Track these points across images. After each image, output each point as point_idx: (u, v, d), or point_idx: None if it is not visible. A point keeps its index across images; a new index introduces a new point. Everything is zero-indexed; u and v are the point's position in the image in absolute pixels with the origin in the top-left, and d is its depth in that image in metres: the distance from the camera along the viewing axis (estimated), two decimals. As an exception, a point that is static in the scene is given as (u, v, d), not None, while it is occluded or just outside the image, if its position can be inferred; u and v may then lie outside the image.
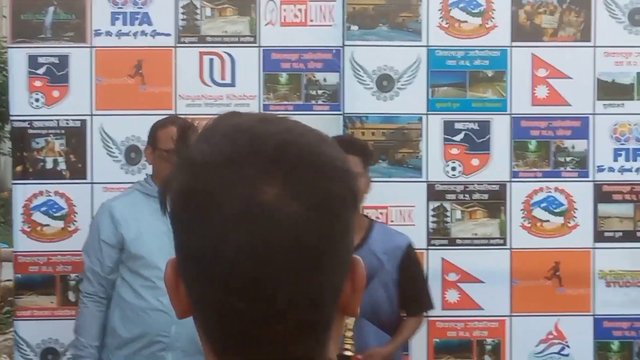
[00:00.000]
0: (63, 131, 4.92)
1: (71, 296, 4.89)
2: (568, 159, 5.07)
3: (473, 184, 5.02)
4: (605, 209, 5.07)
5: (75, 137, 4.93)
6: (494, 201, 5.03)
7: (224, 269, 0.99)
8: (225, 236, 0.99)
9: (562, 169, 5.06)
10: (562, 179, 5.06)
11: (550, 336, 5.05)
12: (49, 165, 4.93)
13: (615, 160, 5.07)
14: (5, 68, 9.72)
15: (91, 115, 4.93)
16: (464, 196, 5.02)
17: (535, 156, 5.06)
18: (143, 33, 4.95)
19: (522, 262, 5.03)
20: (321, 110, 4.95)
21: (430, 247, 4.99)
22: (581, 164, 5.06)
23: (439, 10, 5.03)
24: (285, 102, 4.98)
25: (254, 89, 4.97)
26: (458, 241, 5.02)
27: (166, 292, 1.10)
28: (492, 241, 5.02)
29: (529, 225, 5.04)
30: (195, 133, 1.06)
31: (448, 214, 5.01)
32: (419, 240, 4.89)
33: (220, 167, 1.01)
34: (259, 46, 4.98)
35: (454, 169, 5.01)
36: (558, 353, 5.05)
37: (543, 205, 5.05)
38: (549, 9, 5.07)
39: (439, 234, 5.01)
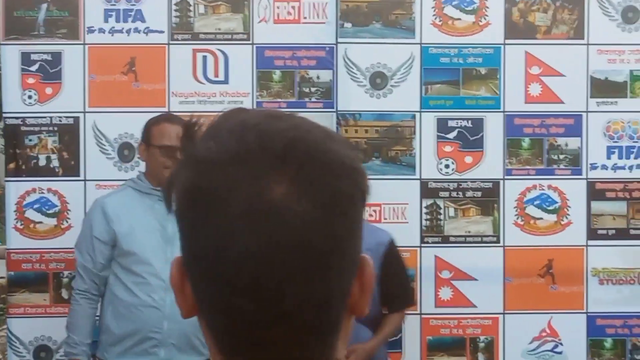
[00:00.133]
0: (56, 128, 4.92)
1: (64, 293, 4.89)
2: (561, 156, 5.07)
3: (466, 182, 5.02)
4: (598, 206, 5.08)
5: (68, 134, 4.92)
6: (487, 199, 5.03)
7: (230, 269, 0.98)
8: (232, 235, 0.97)
9: (555, 166, 5.07)
10: (555, 177, 5.06)
11: (544, 334, 5.05)
12: (42, 162, 4.92)
13: (609, 158, 5.08)
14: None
15: (84, 112, 4.92)
16: (457, 194, 5.02)
17: (529, 154, 5.06)
18: (136, 30, 4.95)
19: (515, 260, 5.03)
20: (314, 107, 4.95)
21: (423, 245, 4.99)
22: (574, 161, 5.07)
23: (433, 7, 5.03)
24: (279, 100, 4.98)
25: (247, 86, 4.97)
26: (451, 239, 5.02)
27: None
28: (485, 239, 5.03)
29: (522, 222, 5.04)
30: (201, 130, 1.05)
31: (441, 211, 5.01)
32: (412, 238, 4.90)
33: (227, 164, 0.99)
34: (252, 43, 4.98)
35: (447, 166, 5.01)
36: (551, 350, 5.06)
37: (536, 202, 5.06)
38: (542, 6, 5.08)
39: (432, 231, 5.01)
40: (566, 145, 5.07)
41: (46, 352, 4.91)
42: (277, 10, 4.98)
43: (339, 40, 4.99)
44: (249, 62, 4.98)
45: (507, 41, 5.05)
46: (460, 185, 5.02)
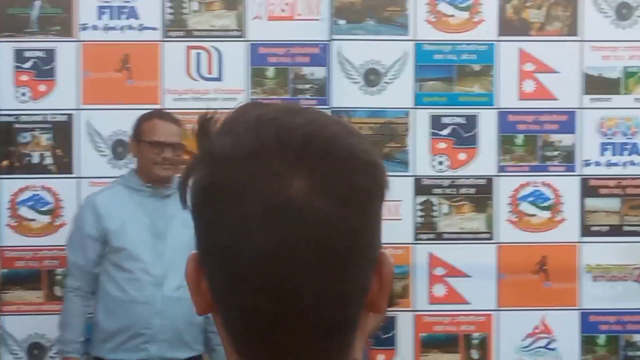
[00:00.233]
0: (50, 125, 4.91)
1: (58, 291, 4.88)
2: (555, 153, 5.07)
3: (460, 179, 5.03)
4: (591, 203, 5.08)
5: (61, 131, 4.91)
6: (480, 195, 5.03)
7: (247, 267, 0.96)
8: (250, 232, 0.95)
9: (548, 163, 5.07)
10: (549, 174, 5.07)
11: (537, 330, 5.06)
12: (36, 159, 4.92)
13: (602, 154, 5.08)
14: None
15: (78, 109, 4.92)
16: (451, 190, 5.03)
17: (522, 150, 5.06)
18: (130, 27, 4.94)
19: (508, 257, 5.03)
20: (308, 104, 4.95)
21: (417, 242, 4.99)
22: (568, 158, 5.07)
23: (427, 4, 5.02)
24: (273, 97, 4.97)
25: (241, 83, 4.97)
26: (445, 235, 5.02)
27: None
28: (479, 235, 5.03)
29: (516, 219, 5.05)
30: (216, 125, 1.02)
31: (435, 208, 5.01)
32: (405, 235, 4.91)
33: (243, 160, 0.96)
34: (246, 40, 4.98)
35: (441, 163, 5.01)
36: (545, 347, 5.06)
37: (530, 199, 5.06)
38: (536, 3, 5.08)
39: (426, 228, 5.01)
40: (560, 141, 5.07)
41: (39, 350, 4.90)
42: (270, 7, 4.97)
43: (333, 37, 4.99)
44: (242, 59, 4.97)
45: (501, 38, 5.06)
46: (454, 181, 5.03)
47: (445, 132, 5.02)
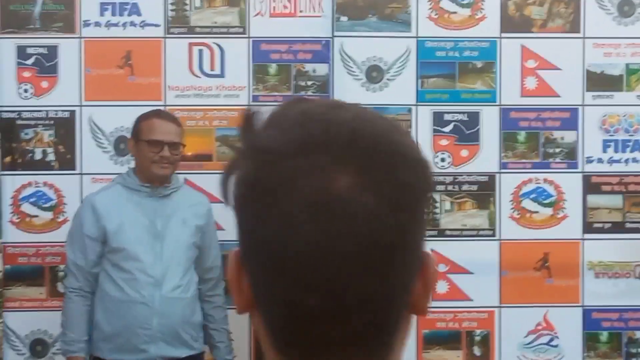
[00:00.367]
0: (52, 122, 4.91)
1: (60, 287, 4.87)
2: (557, 150, 5.07)
3: (462, 175, 5.02)
4: (594, 200, 5.08)
5: (64, 127, 4.92)
6: (483, 192, 5.03)
7: (292, 262, 0.95)
8: (295, 227, 0.94)
9: (551, 160, 5.07)
10: (551, 170, 5.07)
11: (539, 327, 5.06)
12: (38, 156, 4.92)
13: (604, 151, 5.08)
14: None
15: (80, 106, 4.92)
16: (453, 187, 5.03)
17: (525, 147, 5.06)
18: (132, 24, 4.94)
19: (511, 253, 5.03)
20: (310, 101, 4.94)
21: (419, 238, 4.98)
22: (570, 155, 5.07)
23: (429, 1, 5.03)
24: (275, 93, 4.97)
25: (244, 80, 4.97)
26: (447, 232, 5.02)
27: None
28: (481, 232, 5.03)
29: (518, 216, 5.05)
30: (260, 120, 1.01)
31: (437, 205, 5.01)
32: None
33: (290, 154, 0.95)
34: (249, 37, 4.98)
35: (443, 160, 5.01)
36: (547, 344, 5.06)
37: (532, 196, 5.06)
38: (538, 0, 5.07)
39: (428, 225, 5.01)
40: (562, 138, 5.07)
41: (42, 346, 4.91)
42: (273, 4, 4.97)
43: (335, 33, 4.99)
44: (245, 56, 4.97)
45: (503, 35, 5.05)
46: (456, 178, 5.03)
47: (447, 129, 5.02)
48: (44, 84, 4.91)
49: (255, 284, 1.00)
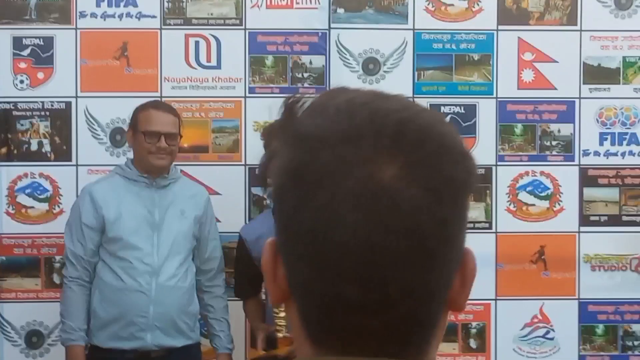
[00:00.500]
0: (48, 113, 4.91)
1: (56, 278, 4.88)
2: (554, 142, 5.07)
3: (459, 168, 5.01)
4: (590, 193, 5.08)
5: (60, 119, 4.91)
6: (479, 185, 5.02)
7: (334, 252, 0.93)
8: (340, 216, 0.92)
9: (547, 152, 5.07)
10: (548, 163, 5.07)
11: (535, 320, 5.06)
12: (34, 147, 4.92)
13: (601, 144, 5.08)
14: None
15: (76, 97, 4.91)
16: (450, 180, 5.01)
17: (521, 140, 5.06)
18: (128, 15, 4.93)
19: (507, 246, 5.03)
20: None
21: (415, 231, 4.98)
22: (567, 148, 5.07)
23: (426, -7, 5.02)
24: (271, 85, 4.97)
25: (240, 71, 4.96)
26: (443, 225, 5.00)
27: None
28: (477, 225, 5.02)
29: (515, 209, 5.05)
30: (303, 108, 1.00)
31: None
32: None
33: (336, 142, 0.94)
34: (245, 28, 4.97)
35: (439, 152, 5.00)
36: (543, 337, 5.06)
37: (529, 189, 5.06)
38: (535, -8, 5.07)
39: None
40: (559, 131, 5.07)
41: (38, 337, 4.90)
42: (269, -4, 4.97)
43: (332, 25, 4.99)
44: (241, 48, 4.97)
45: (500, 27, 5.05)
46: (453, 171, 5.01)
47: (444, 121, 5.00)
48: (40, 75, 4.90)
49: (292, 274, 0.99)
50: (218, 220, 4.62)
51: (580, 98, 5.06)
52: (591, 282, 5.06)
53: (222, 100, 4.95)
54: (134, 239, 4.32)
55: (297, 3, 4.96)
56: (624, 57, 5.08)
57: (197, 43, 4.95)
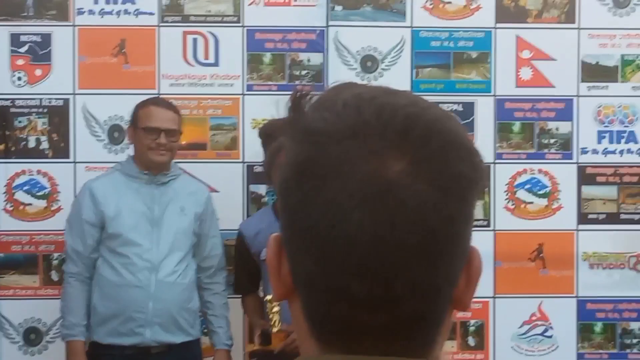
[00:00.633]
0: (46, 110, 4.91)
1: (54, 275, 4.88)
2: (552, 140, 5.07)
3: (457, 165, 5.00)
4: (589, 190, 5.08)
5: (58, 116, 4.91)
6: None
7: (340, 247, 0.92)
8: (346, 211, 0.92)
9: (546, 150, 5.06)
10: (546, 161, 5.06)
11: (534, 317, 5.05)
12: (32, 144, 4.92)
13: (599, 142, 5.08)
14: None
15: (74, 94, 4.91)
16: (448, 177, 5.01)
17: (519, 138, 5.06)
18: (126, 12, 4.94)
19: (505, 244, 5.03)
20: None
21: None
22: (565, 145, 5.06)
23: (424, -9, 5.02)
24: (269, 82, 4.97)
25: (238, 68, 4.96)
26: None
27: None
28: (475, 223, 4.90)
29: (513, 206, 5.04)
30: (310, 102, 0.99)
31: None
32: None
33: (343, 137, 0.93)
34: (243, 26, 4.97)
35: (437, 150, 5.00)
36: (541, 334, 5.06)
37: (527, 187, 5.06)
38: (533, -10, 5.08)
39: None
40: (557, 129, 5.06)
41: (36, 334, 4.90)
42: (267, -7, 4.98)
43: (330, 23, 4.99)
44: (239, 45, 4.97)
45: (498, 25, 5.05)
46: (451, 169, 5.01)
47: (442, 119, 5.00)
48: (38, 72, 4.90)
49: (297, 270, 0.98)
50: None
51: (578, 96, 5.06)
52: (589, 280, 5.05)
53: (220, 98, 4.95)
54: (133, 235, 4.33)
55: (295, 0, 4.97)
56: (622, 55, 5.08)
57: (195, 40, 4.96)
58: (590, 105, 5.07)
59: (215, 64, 4.96)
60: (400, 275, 0.92)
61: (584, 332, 5.07)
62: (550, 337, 5.06)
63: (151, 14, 4.94)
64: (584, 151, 5.07)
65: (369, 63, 5.00)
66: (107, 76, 4.90)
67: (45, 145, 4.91)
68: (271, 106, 4.73)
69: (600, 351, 5.07)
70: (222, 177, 4.89)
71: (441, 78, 5.03)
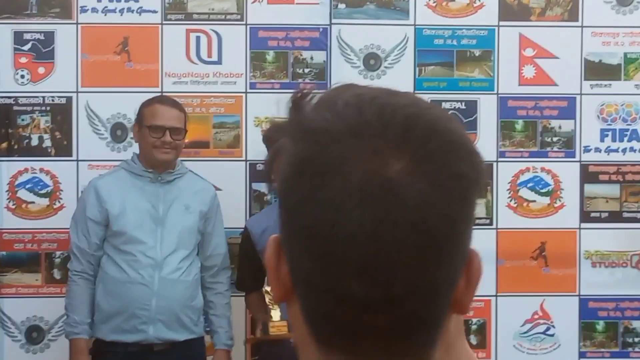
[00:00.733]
0: (48, 108, 4.91)
1: (56, 274, 4.88)
2: (555, 139, 5.07)
3: (460, 164, 5.00)
4: (591, 189, 5.08)
5: (60, 114, 4.91)
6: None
7: (340, 247, 0.92)
8: (346, 210, 0.91)
9: (548, 149, 5.07)
10: (549, 159, 5.06)
11: (536, 316, 5.06)
12: (35, 142, 4.91)
13: (602, 140, 5.08)
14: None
15: (77, 92, 4.91)
16: (451, 176, 5.01)
17: (522, 136, 5.06)
18: (129, 10, 4.93)
19: (508, 242, 5.03)
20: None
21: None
22: (568, 144, 5.06)
23: (427, -11, 5.02)
24: (272, 80, 4.97)
25: (241, 67, 4.96)
26: (444, 221, 5.00)
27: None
28: (478, 221, 5.01)
29: (515, 205, 5.04)
30: (311, 102, 0.99)
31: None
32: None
33: (344, 136, 0.93)
34: (246, 24, 4.97)
35: (440, 148, 5.00)
36: (543, 333, 5.06)
37: (529, 185, 5.06)
38: (536, -12, 5.07)
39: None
40: (560, 127, 5.06)
41: (38, 332, 4.90)
42: (270, -9, 4.97)
43: (333, 21, 4.98)
44: (242, 43, 4.96)
45: (502, 23, 5.05)
46: (454, 167, 5.00)
47: (445, 117, 5.00)
48: (41, 70, 4.90)
49: (295, 270, 0.98)
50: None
51: (581, 94, 5.06)
52: (592, 278, 5.06)
53: (223, 96, 4.95)
54: (137, 233, 4.33)
55: (299, -2, 4.97)
56: (625, 54, 5.08)
57: (198, 38, 4.95)
58: (593, 103, 5.07)
59: (218, 62, 4.95)
60: (400, 275, 0.92)
61: (586, 330, 5.08)
62: (552, 335, 5.06)
63: (154, 11, 4.93)
64: (586, 149, 5.07)
65: (372, 61, 5.00)
66: (110, 74, 4.90)
67: (48, 143, 4.91)
68: (274, 104, 4.73)
69: (603, 350, 5.08)
70: (225, 175, 4.89)
71: (444, 76, 5.03)
